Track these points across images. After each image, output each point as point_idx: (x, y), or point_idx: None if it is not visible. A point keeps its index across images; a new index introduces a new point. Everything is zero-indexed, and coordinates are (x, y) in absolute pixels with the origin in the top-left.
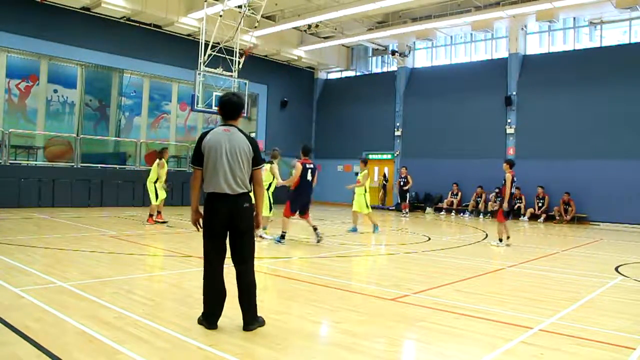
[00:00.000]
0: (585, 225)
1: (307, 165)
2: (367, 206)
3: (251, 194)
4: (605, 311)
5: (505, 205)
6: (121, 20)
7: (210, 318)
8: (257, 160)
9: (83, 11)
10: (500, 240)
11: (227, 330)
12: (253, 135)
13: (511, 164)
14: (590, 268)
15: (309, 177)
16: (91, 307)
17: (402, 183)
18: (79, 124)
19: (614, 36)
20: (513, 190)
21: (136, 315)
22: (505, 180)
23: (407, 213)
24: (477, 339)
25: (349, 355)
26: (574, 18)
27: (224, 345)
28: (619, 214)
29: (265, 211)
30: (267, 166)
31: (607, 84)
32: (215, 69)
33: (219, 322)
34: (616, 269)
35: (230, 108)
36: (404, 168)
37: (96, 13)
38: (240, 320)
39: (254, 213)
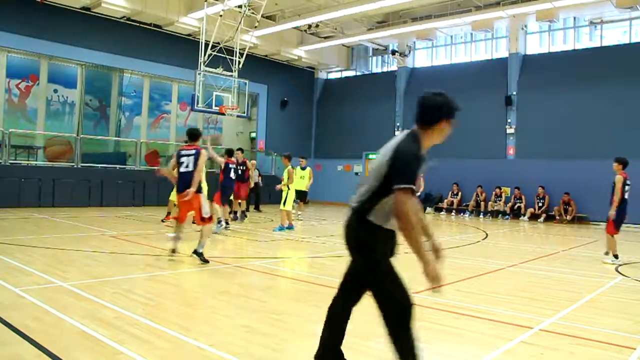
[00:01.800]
0: (585, 225)
1: (230, 165)
2: (283, 203)
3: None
4: (605, 311)
5: (612, 213)
6: (121, 20)
7: None
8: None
9: (83, 11)
10: (616, 256)
11: (227, 330)
12: (253, 135)
13: (624, 163)
14: (590, 268)
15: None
16: (91, 307)
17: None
18: (79, 123)
19: (614, 36)
20: (625, 195)
21: (136, 315)
22: (614, 182)
23: None
24: (478, 338)
25: (349, 355)
26: (574, 18)
27: (224, 345)
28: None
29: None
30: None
31: (607, 83)
32: (216, 68)
33: (218, 321)
34: (616, 269)
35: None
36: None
37: (96, 13)
38: (241, 319)
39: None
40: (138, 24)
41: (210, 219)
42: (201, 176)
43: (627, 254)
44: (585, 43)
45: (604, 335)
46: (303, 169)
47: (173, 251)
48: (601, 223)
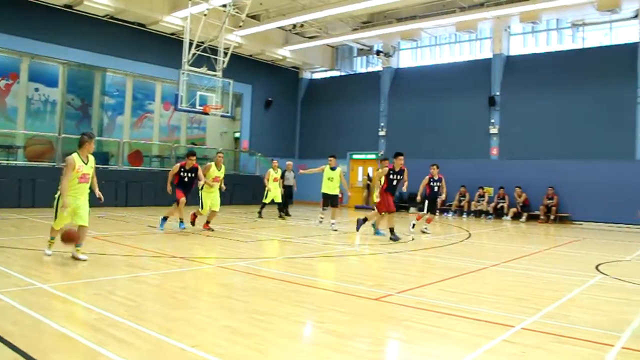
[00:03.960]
0: (567, 225)
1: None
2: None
3: None
4: (585, 309)
5: None
6: (104, 19)
7: None
8: None
9: (65, 9)
10: None
11: (210, 331)
12: (237, 135)
13: None
14: (571, 267)
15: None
16: (72, 309)
17: (436, 188)
18: (60, 123)
19: (595, 38)
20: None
21: (117, 317)
22: None
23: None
24: (460, 337)
25: (333, 355)
26: (557, 20)
27: (207, 346)
28: (600, 213)
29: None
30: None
31: (589, 84)
32: (199, 68)
33: (201, 321)
34: (597, 267)
35: None
36: (435, 166)
37: (78, 11)
38: (225, 319)
39: None
40: (121, 23)
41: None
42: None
43: (607, 253)
44: (568, 44)
45: (584, 333)
46: (333, 169)
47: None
48: (583, 222)
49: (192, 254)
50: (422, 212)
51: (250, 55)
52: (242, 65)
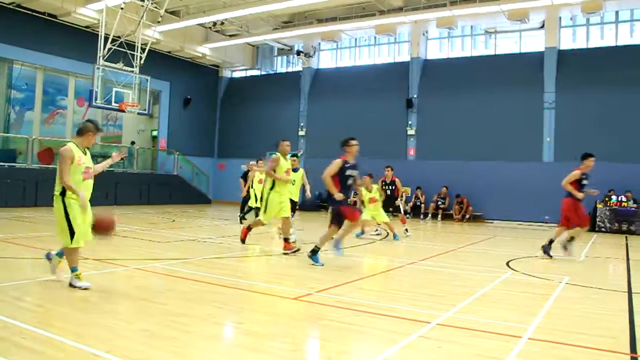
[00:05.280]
0: (480, 223)
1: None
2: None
3: None
4: (496, 303)
5: None
6: (10, 7)
7: None
8: None
9: None
10: None
11: (125, 335)
12: (155, 133)
13: None
14: (484, 263)
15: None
16: None
17: (388, 191)
18: None
19: (506, 45)
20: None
21: (25, 324)
22: None
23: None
24: (378, 335)
25: (252, 356)
26: (472, 26)
27: (122, 350)
28: (511, 212)
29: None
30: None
31: (500, 89)
32: (116, 63)
33: (116, 326)
34: (507, 263)
35: None
36: (390, 169)
37: None
38: (141, 323)
39: None
40: (30, 12)
41: None
42: None
43: (517, 250)
44: (481, 50)
45: (495, 326)
46: (295, 170)
47: None
48: (495, 221)
49: (106, 256)
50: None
51: (169, 52)
52: (160, 62)
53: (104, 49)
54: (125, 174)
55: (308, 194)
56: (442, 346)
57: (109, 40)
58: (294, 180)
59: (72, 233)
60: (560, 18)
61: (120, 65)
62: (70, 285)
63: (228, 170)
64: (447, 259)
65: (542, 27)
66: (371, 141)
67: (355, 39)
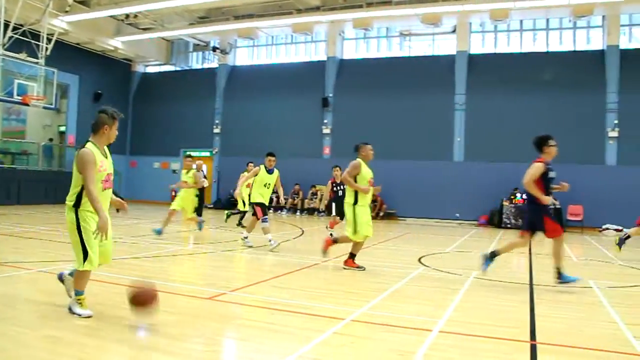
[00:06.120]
0: (394, 221)
1: None
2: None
3: None
4: (409, 299)
5: None
6: None
7: None
8: None
9: None
10: None
11: (28, 342)
12: (63, 129)
13: None
14: (397, 260)
15: None
16: None
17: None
18: None
19: (420, 47)
20: None
21: None
22: None
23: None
24: (293, 332)
25: (165, 358)
26: (387, 28)
27: (25, 359)
28: (424, 209)
29: None
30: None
31: (414, 90)
32: (18, 53)
33: (18, 333)
34: (419, 260)
35: None
36: (338, 169)
37: None
38: (46, 329)
39: None
40: None
41: None
42: None
43: (429, 246)
44: (396, 52)
45: (408, 321)
46: (269, 172)
47: None
48: (407, 218)
49: (5, 258)
50: (332, 216)
51: (78, 44)
52: (68, 54)
53: (4, 37)
54: (29, 171)
55: (282, 199)
56: (355, 342)
57: (10, 28)
58: (269, 183)
59: (85, 253)
60: (470, 24)
61: (23, 55)
62: (70, 310)
63: (140, 168)
64: (361, 256)
65: (454, 31)
66: (287, 139)
67: (272, 37)
